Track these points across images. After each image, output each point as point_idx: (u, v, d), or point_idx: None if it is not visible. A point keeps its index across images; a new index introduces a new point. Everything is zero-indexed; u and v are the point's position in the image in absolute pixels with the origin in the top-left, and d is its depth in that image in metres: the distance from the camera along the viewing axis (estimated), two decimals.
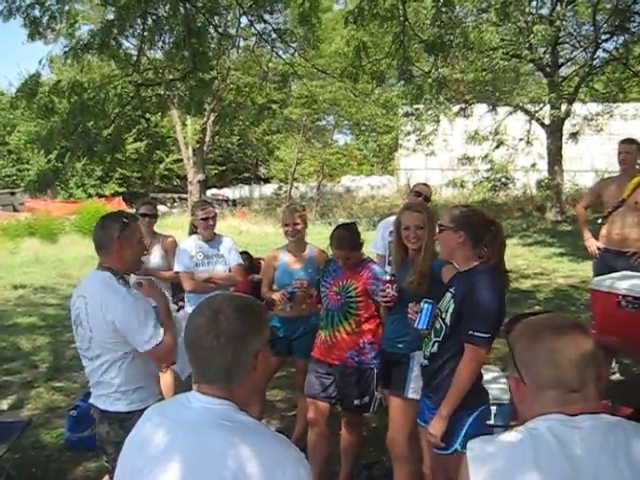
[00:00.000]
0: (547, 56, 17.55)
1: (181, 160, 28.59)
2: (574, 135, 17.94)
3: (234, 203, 28.85)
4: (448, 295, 2.96)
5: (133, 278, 4.58)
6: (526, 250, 13.78)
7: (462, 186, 20.62)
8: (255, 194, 32.96)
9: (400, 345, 3.50)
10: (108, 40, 7.24)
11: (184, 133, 26.43)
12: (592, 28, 16.69)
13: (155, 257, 5.11)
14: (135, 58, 8.21)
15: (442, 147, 19.98)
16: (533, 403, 1.49)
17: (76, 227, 18.38)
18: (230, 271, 4.84)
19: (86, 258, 11.67)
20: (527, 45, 16.23)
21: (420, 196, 5.16)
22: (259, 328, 1.68)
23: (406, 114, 19.62)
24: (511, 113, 18.89)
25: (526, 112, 18.42)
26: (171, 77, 9.38)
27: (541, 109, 18.00)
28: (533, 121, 18.48)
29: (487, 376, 3.71)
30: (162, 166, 34.10)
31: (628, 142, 5.66)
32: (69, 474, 4.31)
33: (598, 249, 5.73)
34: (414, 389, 3.38)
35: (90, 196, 29.03)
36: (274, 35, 9.15)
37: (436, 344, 2.99)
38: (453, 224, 2.95)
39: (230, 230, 15.22)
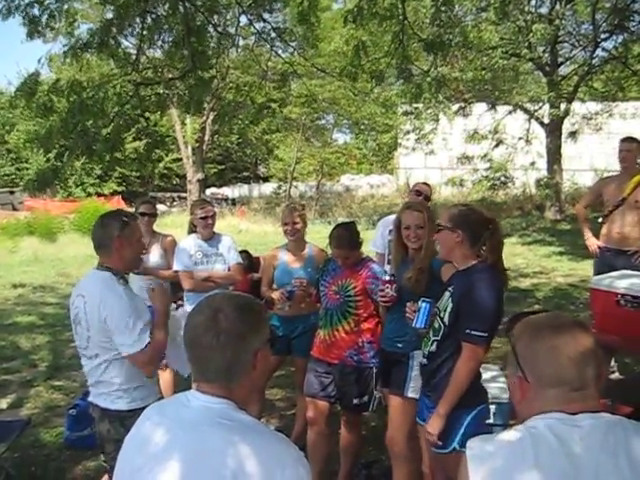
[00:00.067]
0: (546, 55, 17.56)
1: (180, 159, 28.58)
2: (573, 134, 17.95)
3: (233, 202, 28.84)
4: (447, 294, 2.96)
5: (134, 278, 4.61)
6: (525, 249, 13.79)
7: (461, 185, 20.63)
8: (254, 193, 32.94)
9: (399, 345, 3.50)
10: (107, 39, 7.24)
11: (183, 132, 26.42)
12: (591, 27, 16.69)
13: (154, 256, 5.11)
14: (134, 57, 8.21)
15: (441, 146, 19.98)
16: (535, 401, 1.49)
17: (75, 226, 18.37)
18: (229, 270, 4.84)
19: (85, 257, 11.66)
20: (526, 44, 16.23)
21: (420, 195, 5.15)
22: (258, 327, 1.68)
23: (405, 113, 19.61)
24: (510, 112, 18.89)
25: (525, 111, 18.42)
26: (170, 76, 9.38)
27: (540, 108, 18.01)
28: (532, 120, 18.48)
29: (486, 375, 3.72)
30: (161, 165, 34.06)
31: (629, 140, 5.66)
32: (68, 473, 4.32)
33: (599, 248, 5.73)
34: (414, 388, 3.38)
35: (89, 195, 29.01)
36: (273, 34, 9.15)
37: (435, 343, 2.99)
38: (451, 223, 2.95)
39: (229, 229, 15.21)
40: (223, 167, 37.39)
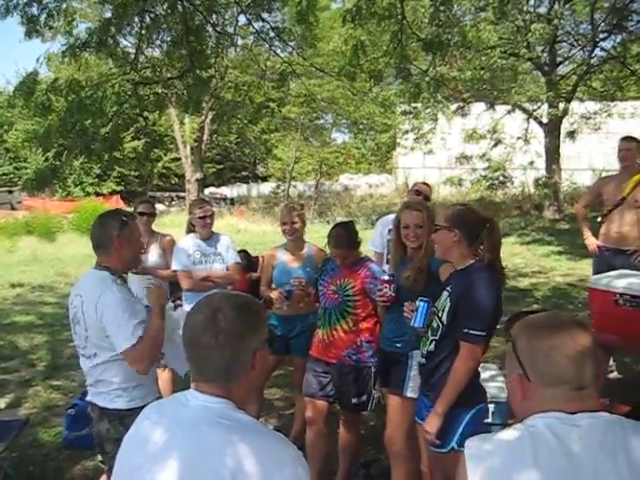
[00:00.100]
0: (545, 55, 17.56)
1: (179, 159, 28.56)
2: (572, 134, 17.96)
3: (232, 202, 28.86)
4: (445, 294, 2.96)
5: (133, 278, 4.61)
6: (524, 248, 13.80)
7: (460, 184, 20.63)
8: (253, 193, 32.94)
9: (398, 344, 3.50)
10: (106, 38, 7.24)
11: (182, 132, 26.40)
12: (590, 27, 16.69)
13: (153, 256, 5.11)
14: (133, 56, 8.21)
15: (440, 146, 19.98)
16: (535, 400, 1.49)
17: (74, 226, 18.37)
18: (228, 269, 4.84)
19: (84, 257, 11.66)
20: (525, 44, 16.23)
21: (420, 195, 5.15)
22: (257, 327, 1.68)
23: (404, 113, 19.61)
24: (509, 112, 18.90)
25: (524, 111, 18.42)
26: (169, 75, 9.37)
27: (539, 108, 18.01)
28: (531, 120, 18.49)
29: (485, 374, 3.72)
30: (160, 165, 34.05)
31: (628, 139, 5.67)
32: (67, 473, 4.31)
33: (598, 247, 5.74)
34: (413, 388, 3.38)
35: (88, 194, 29.00)
36: (272, 34, 9.15)
37: (433, 343, 2.99)
38: (448, 223, 2.95)
39: (228, 229, 15.22)
40: (222, 167, 37.39)
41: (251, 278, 5.40)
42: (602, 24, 16.25)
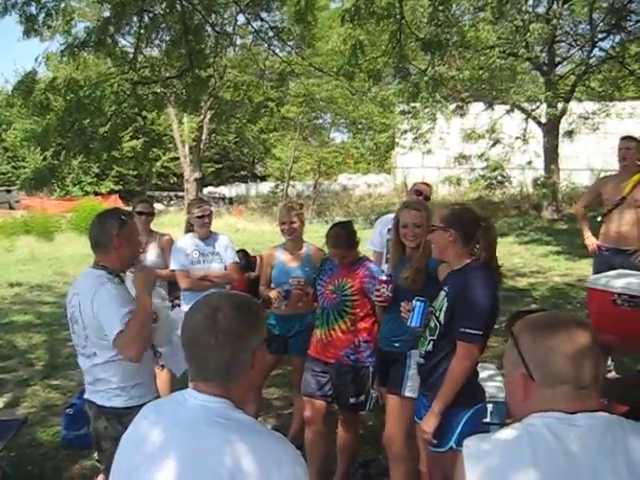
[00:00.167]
0: (543, 55, 17.58)
1: (178, 158, 28.55)
2: (570, 133, 17.97)
3: (231, 201, 28.85)
4: (442, 294, 2.97)
5: (131, 277, 4.61)
6: (522, 248, 13.81)
7: (458, 184, 20.64)
8: (252, 192, 32.93)
9: (397, 344, 3.50)
10: (104, 38, 7.24)
11: (180, 131, 26.39)
12: (588, 27, 16.72)
13: (151, 255, 5.10)
14: (132, 56, 8.20)
15: (439, 145, 19.99)
16: (536, 400, 1.48)
17: (72, 225, 18.36)
18: (226, 269, 4.84)
19: (82, 256, 11.65)
20: (524, 44, 16.24)
21: (420, 195, 5.15)
22: (257, 326, 1.68)
23: (403, 112, 19.62)
24: (508, 111, 18.90)
25: (522, 110, 18.44)
26: (168, 75, 9.37)
27: (537, 107, 18.02)
28: (529, 119, 18.50)
29: (483, 374, 3.72)
30: (159, 164, 34.01)
31: (628, 139, 5.67)
32: (65, 472, 4.31)
33: (598, 247, 5.74)
34: (411, 387, 3.38)
35: (87, 194, 28.99)
36: (271, 33, 9.14)
37: (431, 343, 2.99)
38: (443, 223, 2.96)
39: (227, 228, 15.21)
40: (220, 166, 37.36)
41: (249, 277, 5.40)
42: (601, 24, 16.26)
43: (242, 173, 39.58)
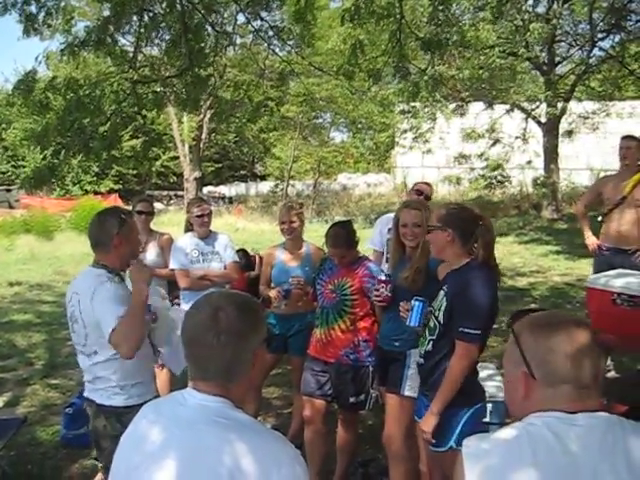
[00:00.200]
0: (543, 54, 17.57)
1: (177, 157, 28.54)
2: (569, 133, 17.97)
3: (230, 200, 28.86)
4: (441, 293, 2.97)
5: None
6: (522, 248, 13.81)
7: (458, 183, 20.64)
8: (251, 191, 32.94)
9: (396, 343, 3.50)
10: (104, 37, 7.23)
11: (180, 130, 26.38)
12: (588, 26, 16.70)
13: (151, 254, 5.10)
14: (131, 55, 8.19)
15: (439, 145, 19.99)
16: (536, 399, 1.48)
17: (72, 224, 18.35)
18: (225, 268, 4.84)
19: (82, 255, 11.64)
20: (523, 43, 16.24)
21: (421, 194, 5.15)
22: (258, 326, 1.68)
23: (402, 112, 19.61)
24: (507, 111, 18.90)
25: (522, 110, 18.43)
26: (167, 74, 9.36)
27: (537, 107, 18.02)
28: (529, 119, 18.50)
29: (482, 374, 3.72)
30: (158, 163, 34.01)
31: (629, 138, 5.67)
32: (65, 471, 4.31)
33: (598, 247, 5.73)
34: (411, 387, 3.39)
35: (86, 193, 28.99)
36: (271, 32, 9.14)
37: (431, 342, 2.99)
38: (441, 223, 2.96)
39: (226, 227, 15.21)
40: (220, 165, 37.36)
41: (249, 277, 5.40)
42: (600, 24, 16.26)
43: (242, 172, 39.58)
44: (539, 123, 18.03)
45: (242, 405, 1.65)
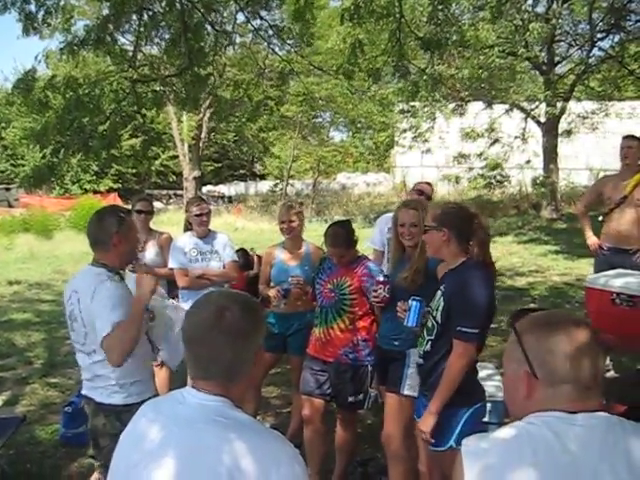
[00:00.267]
0: (543, 54, 17.56)
1: (177, 156, 28.53)
2: (568, 132, 17.97)
3: (230, 200, 28.85)
4: (439, 293, 2.97)
5: (130, 276, 4.60)
6: (521, 248, 13.81)
7: (457, 182, 20.63)
8: (251, 191, 32.94)
9: (396, 342, 3.51)
10: (104, 36, 7.23)
11: (180, 129, 26.37)
12: (588, 26, 16.70)
13: (150, 253, 5.10)
14: (131, 54, 8.19)
15: (438, 144, 19.98)
16: (537, 399, 1.47)
17: (71, 223, 18.35)
18: (225, 268, 4.84)
19: (81, 254, 11.64)
20: (523, 43, 16.23)
21: (422, 194, 5.15)
22: (260, 326, 1.69)
23: (402, 111, 19.60)
24: (507, 111, 18.90)
25: (522, 110, 18.43)
26: (167, 73, 9.36)
27: (537, 107, 18.01)
28: (529, 119, 18.50)
29: (481, 373, 3.72)
30: (158, 162, 34.03)
31: (631, 138, 5.68)
32: (64, 470, 4.31)
33: (599, 247, 5.73)
34: (410, 386, 3.39)
35: (86, 192, 28.99)
36: (270, 32, 9.14)
37: (429, 342, 2.99)
38: (436, 222, 2.97)
39: (226, 227, 15.22)
40: (219, 165, 37.37)
41: (248, 276, 5.41)
42: (600, 24, 16.25)
43: (241, 172, 39.58)
44: (538, 123, 18.02)
45: (241, 404, 1.65)
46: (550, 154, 17.79)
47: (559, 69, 18.49)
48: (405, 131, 20.21)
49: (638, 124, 16.38)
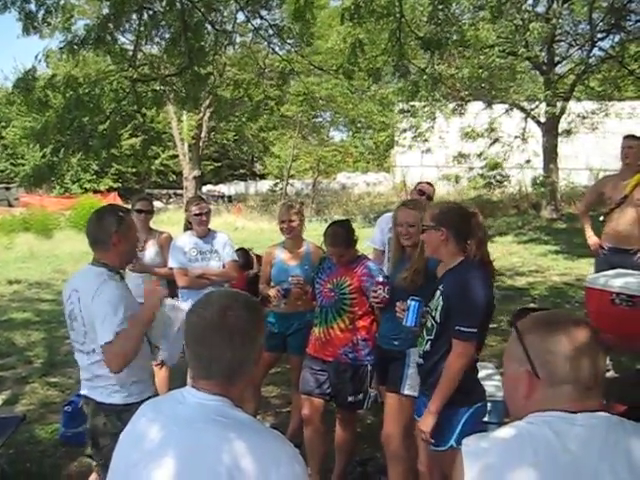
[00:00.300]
0: (543, 54, 17.56)
1: (177, 156, 28.52)
2: (567, 132, 17.96)
3: (230, 199, 28.84)
4: (437, 293, 2.97)
5: (131, 275, 4.61)
6: (521, 248, 13.81)
7: (456, 181, 20.62)
8: (251, 190, 32.94)
9: (396, 342, 3.51)
10: (104, 35, 7.22)
11: (180, 129, 26.36)
12: (588, 26, 16.69)
13: (150, 253, 5.11)
14: (131, 53, 8.19)
15: (438, 144, 19.98)
16: (538, 399, 1.47)
17: (71, 222, 18.35)
18: (224, 267, 4.84)
19: (81, 254, 11.64)
20: (523, 43, 16.22)
21: (423, 195, 5.16)
22: (261, 325, 1.70)
23: (402, 111, 19.60)
24: (507, 111, 18.90)
25: (522, 109, 18.43)
26: (167, 72, 9.36)
27: (537, 107, 18.01)
28: (528, 119, 18.50)
29: (481, 373, 3.72)
30: (158, 162, 34.04)
31: (632, 138, 5.68)
32: (64, 469, 4.32)
33: (600, 247, 5.73)
34: (410, 386, 3.39)
35: (86, 191, 29.00)
36: (270, 31, 9.14)
37: (429, 342, 3.00)
38: (434, 222, 2.97)
39: (226, 226, 15.22)
40: (219, 164, 37.38)
41: (248, 275, 5.41)
42: (600, 24, 16.24)
43: (241, 171, 39.59)
44: (538, 123, 18.02)
45: (241, 404, 1.65)
46: (550, 154, 17.79)
47: (559, 69, 18.49)
48: (405, 131, 20.21)
49: (638, 124, 16.37)
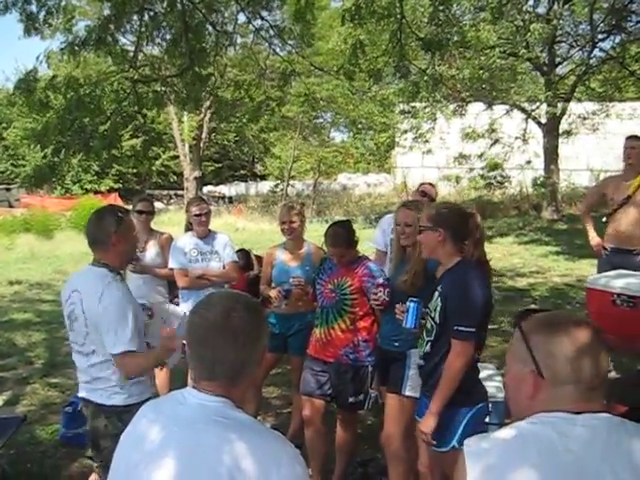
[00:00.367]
0: (544, 55, 17.55)
1: (177, 157, 28.56)
2: (568, 132, 17.96)
3: (230, 200, 28.84)
4: (436, 294, 2.98)
5: (131, 276, 4.62)
6: (522, 248, 13.80)
7: (457, 182, 20.62)
8: (251, 191, 32.92)
9: (396, 343, 3.51)
10: (105, 36, 7.22)
11: (180, 130, 26.38)
12: (589, 27, 16.68)
13: (151, 254, 5.11)
14: (132, 54, 8.19)
15: (439, 145, 19.98)
16: (541, 399, 1.47)
17: (72, 223, 18.35)
18: (225, 268, 4.84)
19: (82, 254, 11.63)
20: (524, 44, 16.22)
21: (425, 196, 5.16)
22: (264, 326, 1.70)
23: (403, 112, 19.60)
24: (507, 111, 18.90)
25: (522, 110, 18.43)
26: (168, 73, 9.36)
27: (537, 108, 18.01)
28: (529, 119, 18.49)
29: (482, 374, 3.72)
30: (158, 163, 34.03)
31: (634, 138, 5.67)
32: (64, 470, 4.32)
33: (603, 247, 5.72)
34: (411, 387, 3.39)
35: (86, 192, 29.01)
36: (271, 32, 9.14)
37: (429, 344, 3.00)
38: (431, 223, 2.98)
39: (226, 227, 15.22)
40: (220, 165, 37.38)
41: (249, 276, 5.40)
42: (601, 25, 16.23)
43: (242, 172, 39.57)
44: (539, 123, 18.01)
45: (242, 405, 1.65)
46: (551, 155, 17.78)
47: (560, 70, 18.48)
48: (406, 132, 20.20)
49: (639, 125, 16.37)
